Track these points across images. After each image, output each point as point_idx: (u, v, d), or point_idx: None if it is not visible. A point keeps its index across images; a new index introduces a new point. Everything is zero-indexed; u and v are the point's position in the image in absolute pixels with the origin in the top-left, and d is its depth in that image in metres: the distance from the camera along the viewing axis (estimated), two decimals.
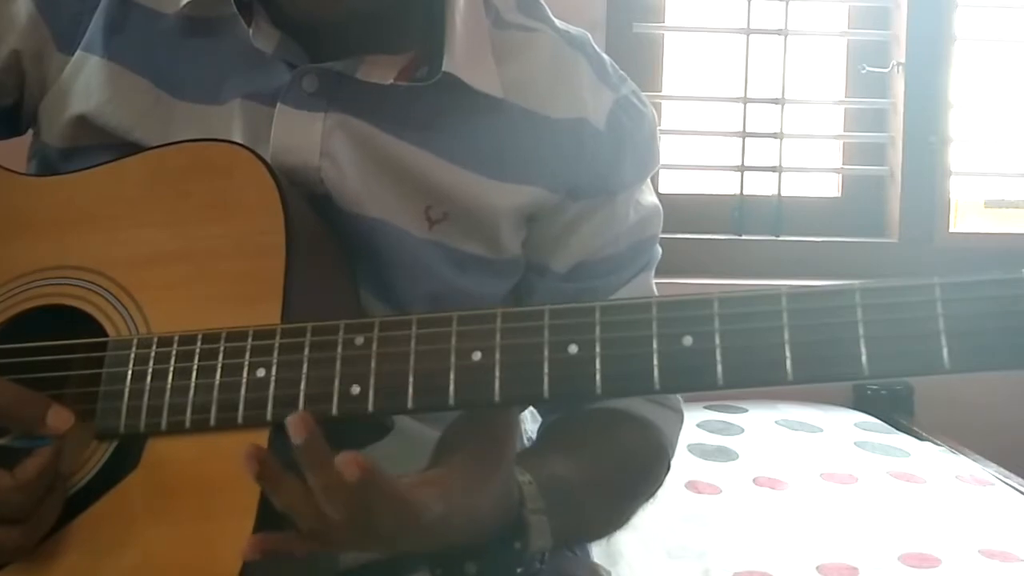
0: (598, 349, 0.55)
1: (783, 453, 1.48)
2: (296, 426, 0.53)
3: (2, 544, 0.59)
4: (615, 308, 0.56)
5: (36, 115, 0.78)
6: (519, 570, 0.63)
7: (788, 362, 0.52)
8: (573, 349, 0.55)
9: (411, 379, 0.57)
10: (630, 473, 0.79)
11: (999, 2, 1.97)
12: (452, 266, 0.75)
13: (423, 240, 0.74)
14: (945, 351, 0.49)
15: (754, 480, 1.39)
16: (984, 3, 1.95)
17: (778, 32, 1.89)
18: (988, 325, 0.49)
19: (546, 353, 0.56)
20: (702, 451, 1.47)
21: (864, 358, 0.50)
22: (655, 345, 0.54)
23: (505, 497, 0.62)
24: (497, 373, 0.56)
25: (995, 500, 1.37)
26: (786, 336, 0.52)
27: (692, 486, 1.36)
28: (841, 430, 1.60)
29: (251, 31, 0.72)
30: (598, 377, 0.55)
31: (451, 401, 0.57)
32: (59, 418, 0.62)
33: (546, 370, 0.56)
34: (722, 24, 1.94)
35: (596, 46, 0.82)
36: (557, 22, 0.82)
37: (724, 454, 1.47)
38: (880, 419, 1.68)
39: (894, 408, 1.76)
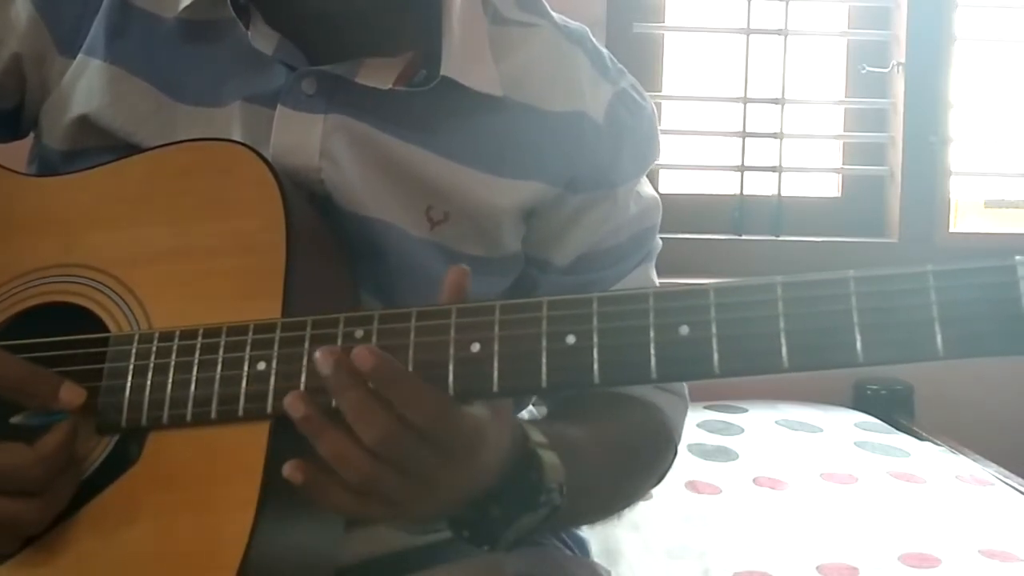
0: (595, 339, 0.55)
1: (783, 453, 1.48)
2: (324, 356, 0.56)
3: (20, 517, 0.60)
4: (612, 299, 0.56)
5: (37, 118, 0.79)
6: (542, 498, 0.63)
7: (784, 350, 0.52)
8: (571, 340, 0.56)
9: (410, 370, 0.58)
10: (636, 446, 0.79)
11: (999, 2, 1.97)
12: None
13: (423, 241, 0.74)
14: (939, 338, 0.50)
15: (754, 480, 1.39)
16: (984, 3, 1.95)
17: (778, 32, 1.90)
18: (981, 312, 0.49)
19: (544, 344, 0.56)
20: (702, 451, 1.47)
21: (859, 345, 0.51)
22: (652, 335, 0.54)
23: (510, 431, 0.62)
24: (495, 364, 0.57)
25: (995, 500, 1.37)
26: (782, 324, 0.52)
27: (692, 486, 1.36)
28: (841, 430, 1.60)
29: (249, 33, 0.72)
30: (596, 367, 0.55)
31: (450, 392, 0.57)
32: (72, 393, 0.63)
33: (544, 361, 0.56)
34: (722, 24, 1.94)
35: (595, 40, 0.83)
36: (556, 17, 0.82)
37: (724, 454, 1.47)
38: (880, 419, 1.68)
39: (894, 408, 1.76)
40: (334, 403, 0.57)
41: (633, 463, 0.79)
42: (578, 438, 0.71)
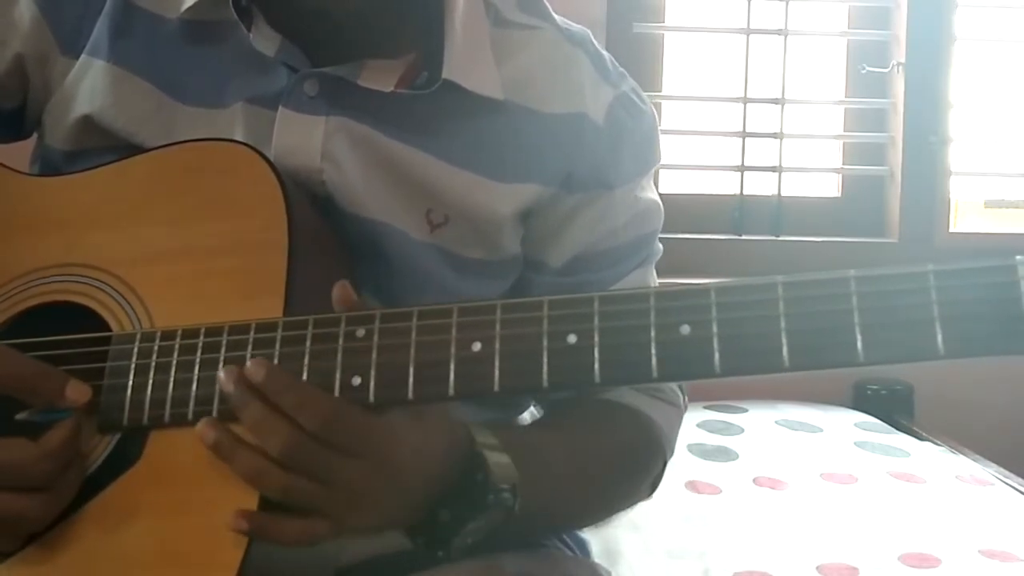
0: (596, 339, 0.56)
1: (783, 453, 1.48)
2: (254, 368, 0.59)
3: (24, 513, 0.60)
4: (613, 298, 0.56)
5: (40, 119, 0.79)
6: (490, 497, 0.63)
7: (784, 349, 0.52)
8: (572, 339, 0.56)
9: (411, 370, 0.58)
10: (618, 453, 0.79)
11: (999, 2, 1.97)
12: (452, 270, 0.75)
13: (423, 243, 0.75)
14: (939, 337, 0.50)
15: (754, 480, 1.39)
16: (984, 3, 1.95)
17: (778, 32, 1.90)
18: (981, 311, 0.49)
19: (545, 343, 0.56)
20: (702, 451, 1.48)
21: (860, 345, 0.51)
22: (653, 334, 0.55)
23: (448, 432, 0.64)
24: (497, 363, 0.57)
25: (995, 500, 1.37)
26: (782, 324, 0.52)
27: (692, 486, 1.36)
28: (841, 430, 1.60)
29: (251, 35, 0.72)
30: (597, 366, 0.55)
31: (451, 391, 0.58)
32: (78, 391, 0.63)
33: (545, 360, 0.56)
34: (722, 24, 1.94)
35: (596, 43, 0.83)
36: (558, 19, 0.82)
37: (724, 454, 1.47)
38: (880, 419, 1.68)
39: (894, 408, 1.76)
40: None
41: (614, 469, 0.79)
42: (543, 442, 0.71)
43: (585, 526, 0.84)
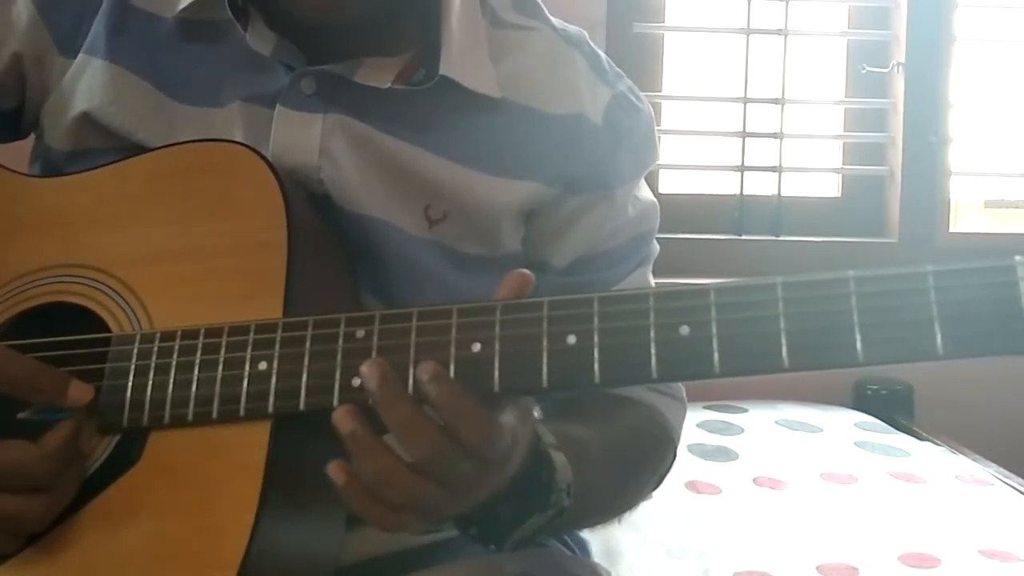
0: (596, 339, 0.55)
1: (783, 453, 1.48)
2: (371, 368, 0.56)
3: (25, 513, 0.60)
4: (613, 299, 0.56)
5: (38, 119, 0.79)
6: (552, 499, 0.63)
7: (784, 350, 0.52)
8: (572, 340, 0.56)
9: (411, 371, 0.58)
10: (638, 447, 0.79)
11: (999, 2, 1.97)
12: (452, 266, 0.75)
13: (422, 240, 0.74)
14: (938, 337, 0.50)
15: (754, 480, 1.39)
16: (984, 3, 1.95)
17: (778, 32, 1.90)
18: (981, 312, 0.49)
19: (545, 344, 0.56)
20: (702, 451, 1.48)
21: (859, 345, 0.51)
22: (652, 335, 0.55)
23: (523, 429, 0.61)
24: (496, 364, 0.57)
25: (995, 500, 1.37)
26: (782, 324, 0.52)
27: (692, 486, 1.36)
28: (841, 430, 1.60)
29: (247, 34, 0.72)
30: (596, 367, 0.55)
31: None
32: (80, 391, 0.63)
33: (545, 360, 0.56)
34: (722, 24, 1.94)
35: (592, 44, 0.83)
36: (554, 20, 0.82)
37: (724, 454, 1.48)
38: (880, 419, 1.68)
39: (894, 408, 1.76)
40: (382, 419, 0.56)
41: (635, 465, 0.79)
42: (583, 440, 0.70)
43: (606, 522, 0.83)
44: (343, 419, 0.56)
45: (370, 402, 0.56)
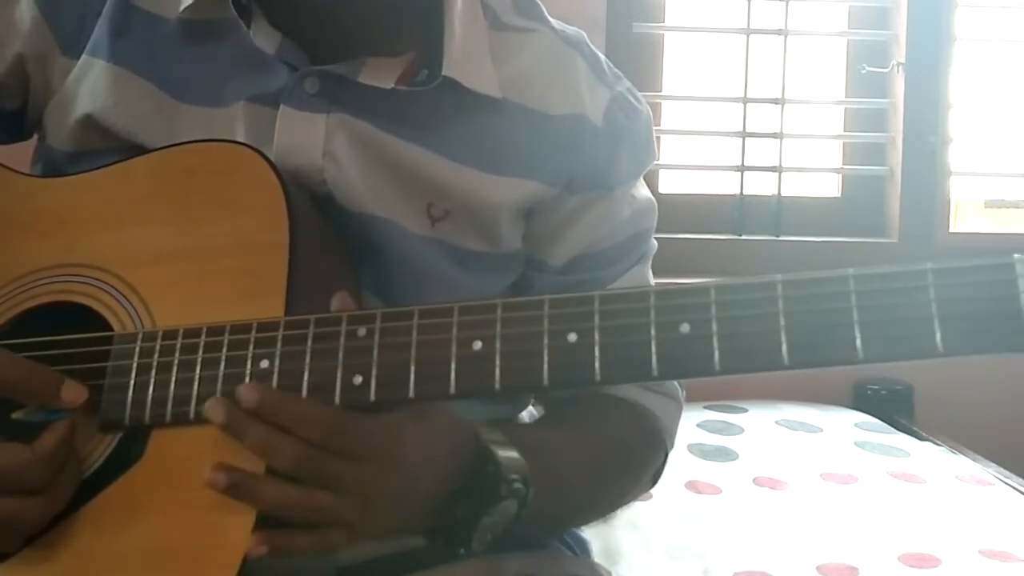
0: (597, 337, 0.56)
1: (783, 453, 1.49)
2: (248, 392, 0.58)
3: (21, 516, 0.60)
4: (613, 297, 0.57)
5: (41, 119, 0.79)
6: (503, 488, 0.64)
7: (784, 347, 0.52)
8: (572, 337, 0.56)
9: (412, 368, 0.58)
10: (621, 447, 0.79)
11: (999, 2, 1.97)
12: (453, 263, 0.76)
13: (425, 237, 0.75)
14: (938, 335, 0.50)
15: (754, 480, 1.39)
16: (984, 3, 1.96)
17: (778, 32, 1.90)
18: (980, 309, 0.50)
19: (546, 342, 0.56)
20: (702, 451, 1.48)
21: (859, 343, 0.51)
22: (653, 332, 0.55)
23: (453, 429, 0.64)
24: (497, 362, 0.57)
25: (995, 500, 1.37)
26: (782, 322, 0.53)
27: (692, 486, 1.36)
28: (841, 430, 1.60)
29: (251, 33, 0.73)
30: (597, 365, 0.55)
31: (452, 390, 0.58)
32: (73, 391, 0.63)
33: (546, 358, 0.56)
34: (722, 24, 1.94)
35: (592, 45, 0.83)
36: (553, 22, 0.83)
37: (724, 454, 1.48)
38: (880, 419, 1.68)
39: (894, 408, 1.76)
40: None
41: (618, 463, 0.80)
42: (548, 438, 0.71)
43: (592, 520, 0.84)
44: (214, 481, 0.58)
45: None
